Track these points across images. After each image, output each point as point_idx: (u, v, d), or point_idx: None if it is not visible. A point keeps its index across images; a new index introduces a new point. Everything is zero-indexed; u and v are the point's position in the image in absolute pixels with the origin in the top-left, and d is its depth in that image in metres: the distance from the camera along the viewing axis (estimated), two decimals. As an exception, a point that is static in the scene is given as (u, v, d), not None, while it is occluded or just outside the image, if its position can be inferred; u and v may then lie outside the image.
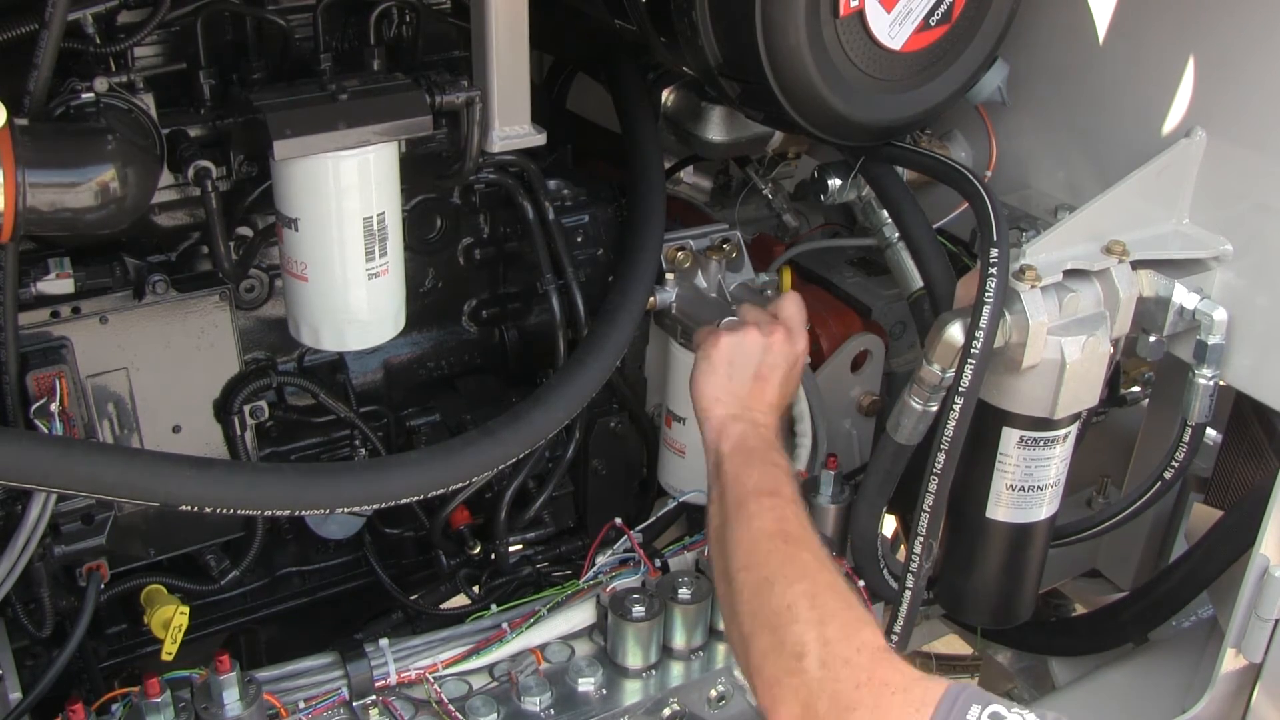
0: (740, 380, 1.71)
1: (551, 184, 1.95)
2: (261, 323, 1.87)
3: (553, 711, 1.70)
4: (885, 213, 1.99)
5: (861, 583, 1.90)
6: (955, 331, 1.66)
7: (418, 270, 1.97)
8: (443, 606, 2.07)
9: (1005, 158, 2.05)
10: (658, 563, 1.86)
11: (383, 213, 1.60)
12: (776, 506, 1.55)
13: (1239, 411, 2.04)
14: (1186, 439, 1.88)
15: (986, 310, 1.60)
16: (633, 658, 1.77)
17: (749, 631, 1.46)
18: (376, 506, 1.65)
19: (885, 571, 1.93)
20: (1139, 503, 2.00)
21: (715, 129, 2.02)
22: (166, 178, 1.58)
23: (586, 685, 1.73)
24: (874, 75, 1.72)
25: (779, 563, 1.49)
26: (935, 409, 1.73)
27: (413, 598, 2.08)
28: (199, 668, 1.57)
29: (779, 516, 1.54)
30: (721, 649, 1.84)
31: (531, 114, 1.69)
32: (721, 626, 1.85)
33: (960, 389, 1.63)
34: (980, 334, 1.61)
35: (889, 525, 2.11)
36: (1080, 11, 1.88)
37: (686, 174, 2.43)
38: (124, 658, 1.92)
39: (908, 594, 1.79)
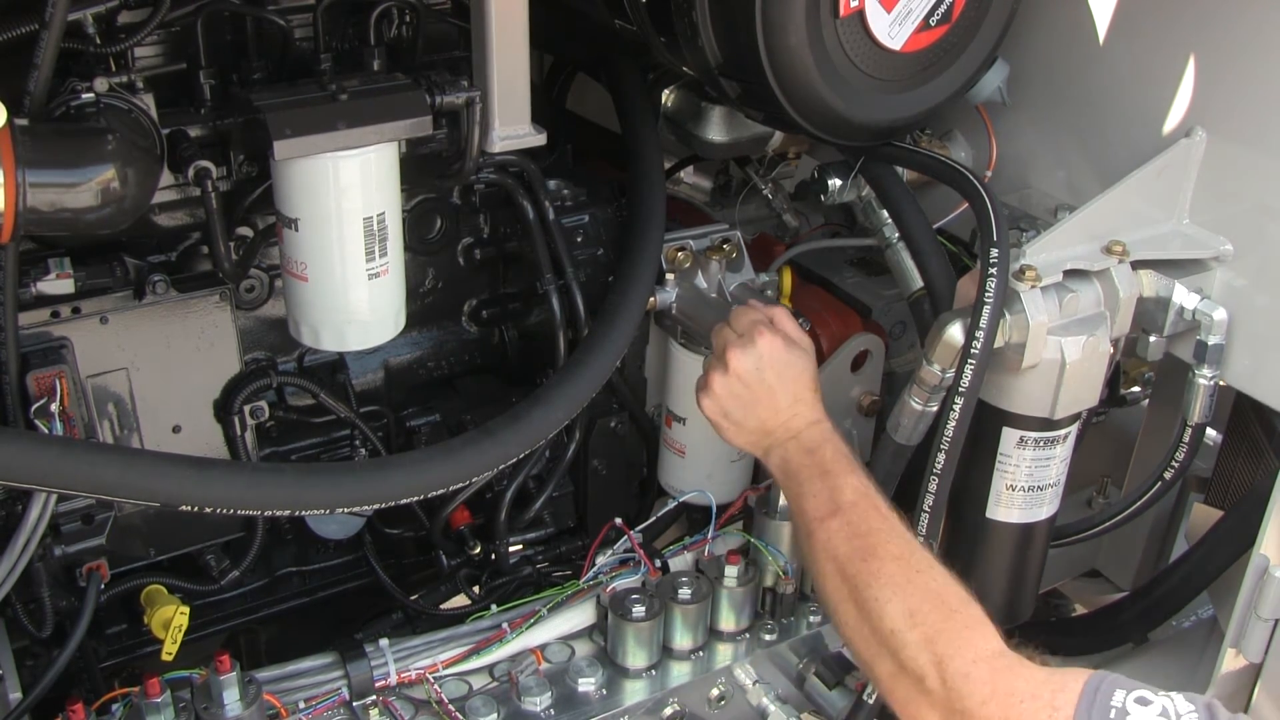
0: (743, 419, 1.72)
1: (551, 184, 1.95)
2: (261, 323, 1.87)
3: (553, 712, 1.70)
4: (885, 213, 1.98)
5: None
6: (955, 331, 1.66)
7: (418, 270, 1.97)
8: (443, 606, 2.07)
9: (1005, 158, 2.05)
10: (658, 563, 1.86)
11: (383, 213, 1.60)
12: (843, 525, 1.54)
13: (1239, 411, 2.04)
14: (1186, 439, 1.88)
15: (986, 310, 1.60)
16: (633, 658, 1.77)
17: (869, 659, 1.47)
18: (376, 506, 1.65)
19: (885, 571, 1.93)
20: (1139, 503, 2.00)
21: (715, 129, 2.02)
22: (166, 178, 1.58)
23: (587, 685, 1.73)
24: (874, 75, 1.72)
25: (865, 585, 1.47)
26: (935, 409, 1.73)
27: (413, 598, 2.08)
28: (199, 668, 1.57)
29: (848, 535, 1.53)
30: (721, 649, 1.84)
31: (531, 114, 1.70)
32: (721, 626, 1.86)
33: (960, 389, 1.63)
34: (980, 334, 1.61)
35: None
36: (1080, 11, 1.88)
37: (686, 174, 2.43)
38: (124, 658, 1.92)
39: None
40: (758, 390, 1.70)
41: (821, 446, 1.65)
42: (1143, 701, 1.21)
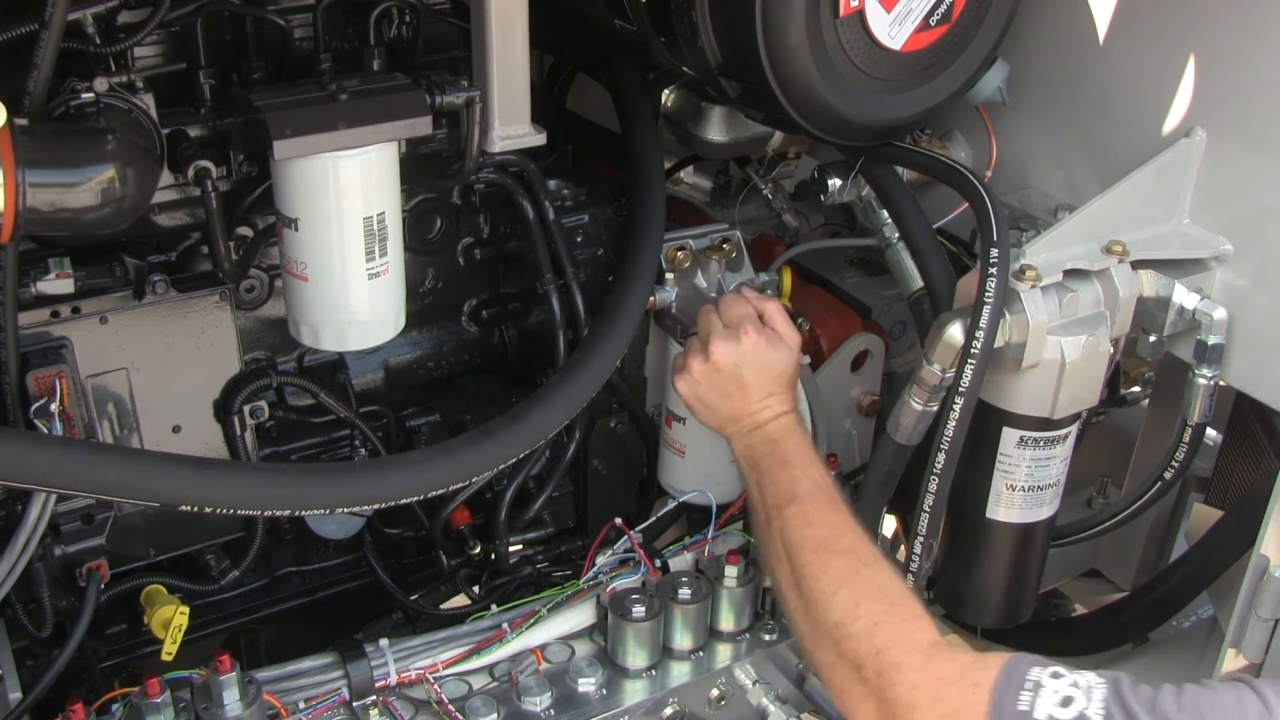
0: (716, 406, 1.76)
1: (551, 184, 1.94)
2: (261, 323, 1.87)
3: (553, 712, 1.70)
4: (885, 213, 1.99)
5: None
6: (955, 331, 1.66)
7: (418, 270, 1.97)
8: (443, 606, 2.07)
9: (1005, 158, 2.05)
10: (658, 563, 1.86)
11: (383, 213, 1.60)
12: (798, 515, 1.59)
13: (1239, 411, 2.04)
14: (1186, 439, 1.88)
15: (986, 310, 1.60)
16: (633, 658, 1.77)
17: (811, 647, 1.53)
18: (376, 506, 1.65)
19: (885, 571, 1.93)
20: (1139, 503, 2.00)
21: (715, 129, 2.02)
22: (166, 178, 1.58)
23: (587, 685, 1.73)
24: (874, 75, 1.72)
25: (814, 575, 1.53)
26: (935, 409, 1.73)
27: (413, 598, 2.08)
28: (199, 668, 1.57)
29: (802, 524, 1.58)
30: (721, 649, 1.84)
31: (531, 114, 1.69)
32: (721, 626, 1.86)
33: (960, 389, 1.63)
34: (980, 334, 1.61)
35: (889, 525, 2.11)
36: (1080, 11, 1.88)
37: (686, 174, 2.43)
38: (124, 658, 1.92)
39: (912, 589, 1.79)
40: (732, 384, 1.74)
41: (785, 438, 1.69)
42: (1056, 675, 1.30)
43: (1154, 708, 1.25)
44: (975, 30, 1.76)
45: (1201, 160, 1.78)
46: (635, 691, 1.76)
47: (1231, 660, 1.88)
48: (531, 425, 1.69)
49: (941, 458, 1.68)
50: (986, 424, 1.74)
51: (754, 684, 1.83)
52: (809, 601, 1.52)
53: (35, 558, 1.60)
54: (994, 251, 1.62)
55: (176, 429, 1.79)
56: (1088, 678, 1.29)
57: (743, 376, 1.73)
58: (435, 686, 1.69)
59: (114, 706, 1.58)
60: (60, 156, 1.36)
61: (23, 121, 1.33)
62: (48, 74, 1.36)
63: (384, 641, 1.71)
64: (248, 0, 1.65)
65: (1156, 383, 2.30)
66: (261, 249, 1.79)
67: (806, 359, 1.93)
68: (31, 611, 1.69)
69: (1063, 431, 1.74)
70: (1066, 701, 1.26)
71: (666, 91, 2.06)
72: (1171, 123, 1.80)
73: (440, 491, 1.65)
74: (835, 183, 1.99)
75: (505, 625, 1.77)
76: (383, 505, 1.60)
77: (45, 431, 1.57)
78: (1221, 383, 1.83)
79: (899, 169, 1.93)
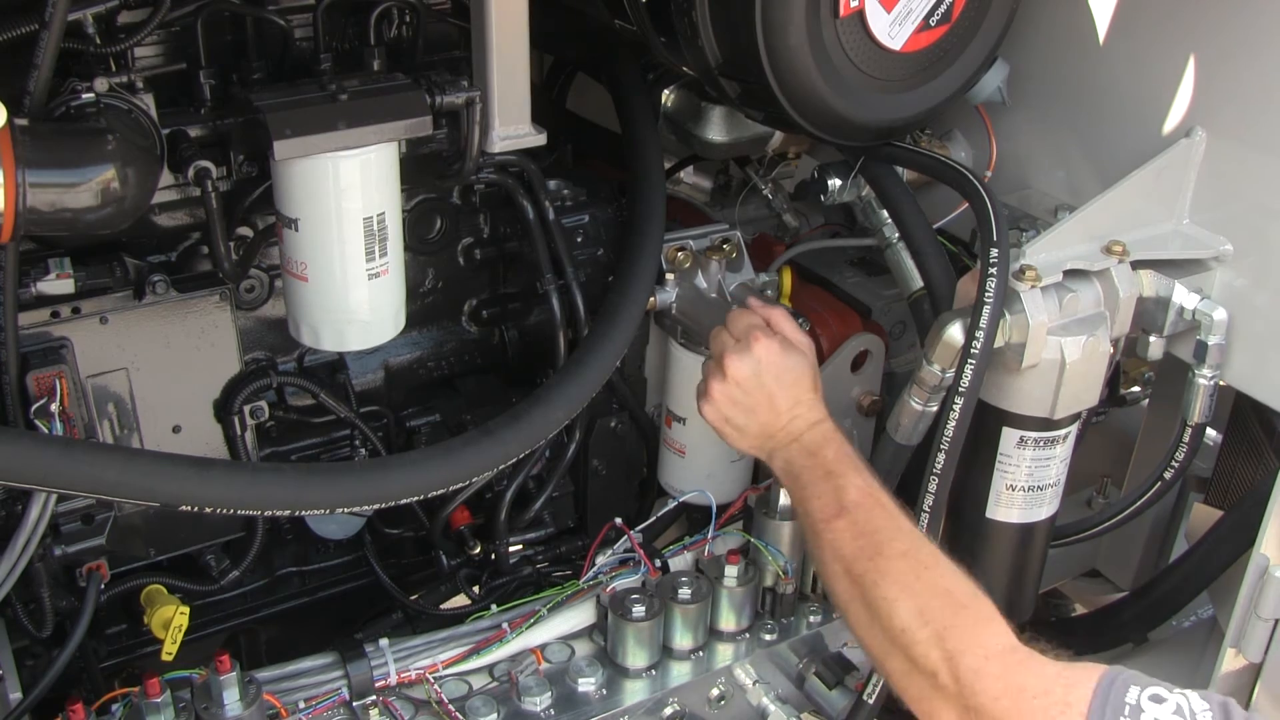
0: (745, 424, 1.72)
1: (551, 184, 1.94)
2: (261, 323, 1.87)
3: (553, 711, 1.70)
4: (885, 213, 1.98)
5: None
6: (955, 331, 1.66)
7: (418, 270, 1.97)
8: (443, 606, 2.07)
9: (1005, 158, 2.05)
10: (658, 563, 1.86)
11: (383, 213, 1.60)
12: (848, 526, 1.54)
13: (1239, 411, 2.04)
14: (1186, 439, 1.88)
15: (986, 310, 1.60)
16: (633, 658, 1.77)
17: (881, 658, 1.47)
18: (376, 506, 1.65)
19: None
20: (1139, 503, 2.00)
21: (715, 129, 2.02)
22: (166, 178, 1.58)
23: (587, 685, 1.73)
24: (874, 75, 1.72)
25: (873, 585, 1.47)
26: (935, 409, 1.73)
27: (413, 598, 2.08)
28: (199, 668, 1.57)
29: (854, 534, 1.53)
30: (721, 649, 1.84)
31: (531, 114, 1.69)
32: (721, 626, 1.86)
33: (960, 389, 1.63)
34: (980, 334, 1.61)
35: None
36: (1080, 11, 1.88)
37: (686, 174, 2.43)
38: (124, 658, 1.92)
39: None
40: (757, 396, 1.70)
41: (824, 447, 1.65)
42: (1157, 699, 1.21)
43: None
44: (975, 30, 1.76)
45: (1201, 160, 1.78)
46: (635, 691, 1.76)
47: (1231, 660, 1.88)
48: (531, 425, 1.69)
49: (941, 458, 1.67)
50: (986, 424, 1.74)
51: (754, 684, 1.83)
52: (873, 612, 1.46)
53: (35, 558, 1.61)
54: (994, 251, 1.62)
55: (176, 429, 1.79)
56: (1192, 701, 1.20)
57: (765, 386, 1.69)
58: (435, 686, 1.69)
59: (114, 706, 1.58)
60: (60, 156, 1.36)
61: (23, 121, 1.33)
62: (48, 74, 1.36)
63: (384, 641, 1.71)
64: (248, 0, 1.65)
65: (1156, 383, 2.30)
66: (261, 249, 1.79)
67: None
68: (31, 611, 1.70)
69: (1063, 431, 1.74)
70: None
71: (666, 91, 2.06)
72: (1171, 123, 1.80)
73: (440, 491, 1.65)
74: (835, 183, 1.99)
75: (505, 625, 1.77)
76: (383, 505, 1.60)
77: (45, 431, 1.57)
78: (1221, 383, 1.83)
79: (899, 169, 1.93)
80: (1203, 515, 2.13)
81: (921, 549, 1.50)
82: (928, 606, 1.42)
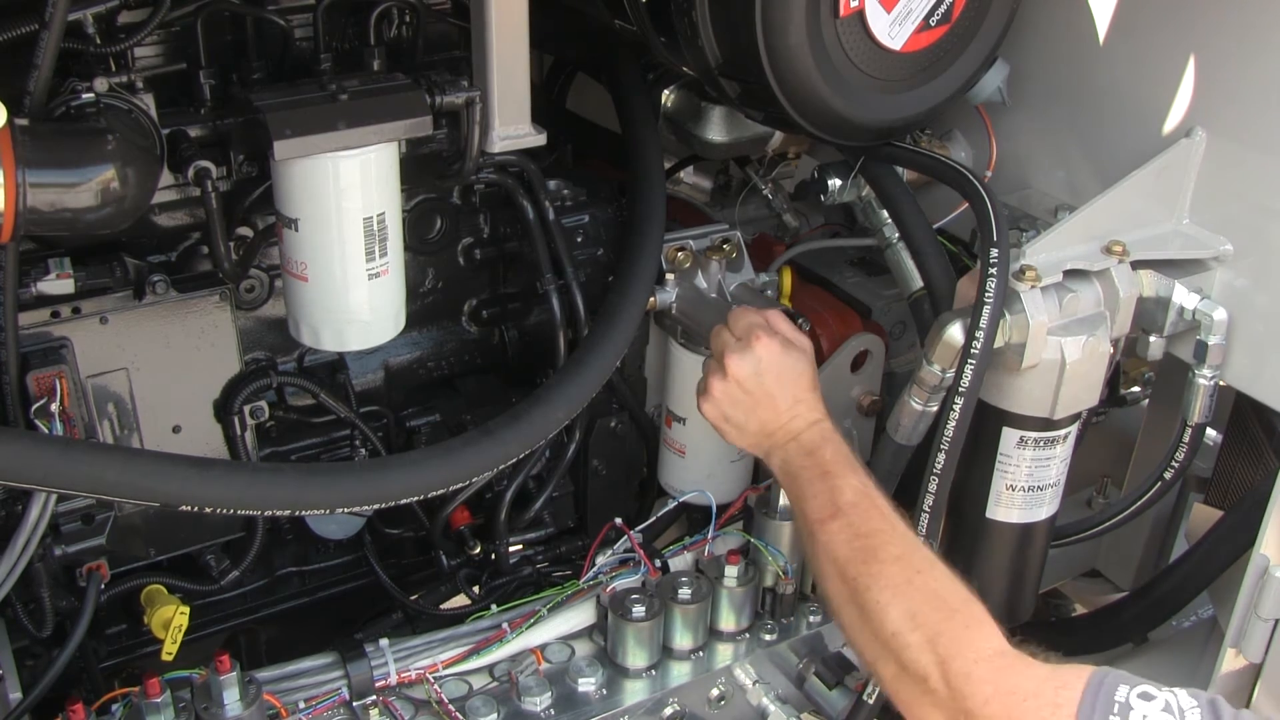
0: (744, 423, 1.73)
1: (551, 184, 1.94)
2: (261, 323, 1.87)
3: (553, 711, 1.70)
4: (885, 213, 1.98)
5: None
6: (955, 331, 1.66)
7: (418, 270, 1.97)
8: (443, 606, 2.07)
9: (1005, 158, 2.05)
10: (658, 563, 1.86)
11: (383, 213, 1.60)
12: (842, 528, 1.55)
13: (1239, 411, 2.04)
14: (1186, 439, 1.88)
15: (986, 310, 1.60)
16: (633, 658, 1.77)
17: (872, 661, 1.47)
18: (376, 506, 1.65)
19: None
20: (1139, 503, 2.00)
21: (715, 129, 2.02)
22: (166, 178, 1.58)
23: (587, 685, 1.73)
24: (874, 75, 1.72)
25: (866, 588, 1.48)
26: (935, 409, 1.73)
27: (413, 598, 2.08)
28: (199, 668, 1.57)
29: (849, 536, 1.53)
30: (721, 649, 1.84)
31: (531, 114, 1.69)
32: (721, 626, 1.86)
33: (960, 389, 1.63)
34: (980, 334, 1.61)
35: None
36: (1080, 11, 1.88)
37: (686, 174, 2.43)
38: (124, 658, 1.92)
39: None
40: (757, 395, 1.71)
41: (821, 447, 1.65)
42: (1146, 696, 1.22)
43: None
44: (975, 30, 1.76)
45: (1201, 160, 1.78)
46: (635, 691, 1.76)
47: (1231, 660, 1.88)
48: (531, 425, 1.69)
49: (941, 458, 1.67)
50: (986, 424, 1.74)
51: (754, 684, 1.83)
52: (865, 615, 1.47)
53: (35, 558, 1.61)
54: (994, 251, 1.62)
55: (176, 429, 1.79)
56: (1180, 699, 1.22)
57: (765, 385, 1.70)
58: (435, 686, 1.69)
59: (114, 706, 1.58)
60: (60, 156, 1.36)
61: (23, 121, 1.33)
62: (48, 74, 1.36)
63: (384, 641, 1.71)
64: (248, 0, 1.65)
65: (1156, 383, 2.30)
66: (261, 249, 1.79)
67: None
68: (31, 611, 1.70)
69: (1063, 431, 1.74)
70: None
71: (666, 91, 2.06)
72: (1171, 123, 1.80)
73: (440, 491, 1.65)
74: (835, 183, 1.99)
75: (505, 625, 1.77)
76: (383, 505, 1.60)
77: (45, 431, 1.57)
78: (1221, 383, 1.83)
79: (899, 169, 1.93)
80: (1203, 515, 2.13)
81: (915, 553, 1.50)
82: (920, 611, 1.42)
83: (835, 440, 1.66)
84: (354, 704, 1.67)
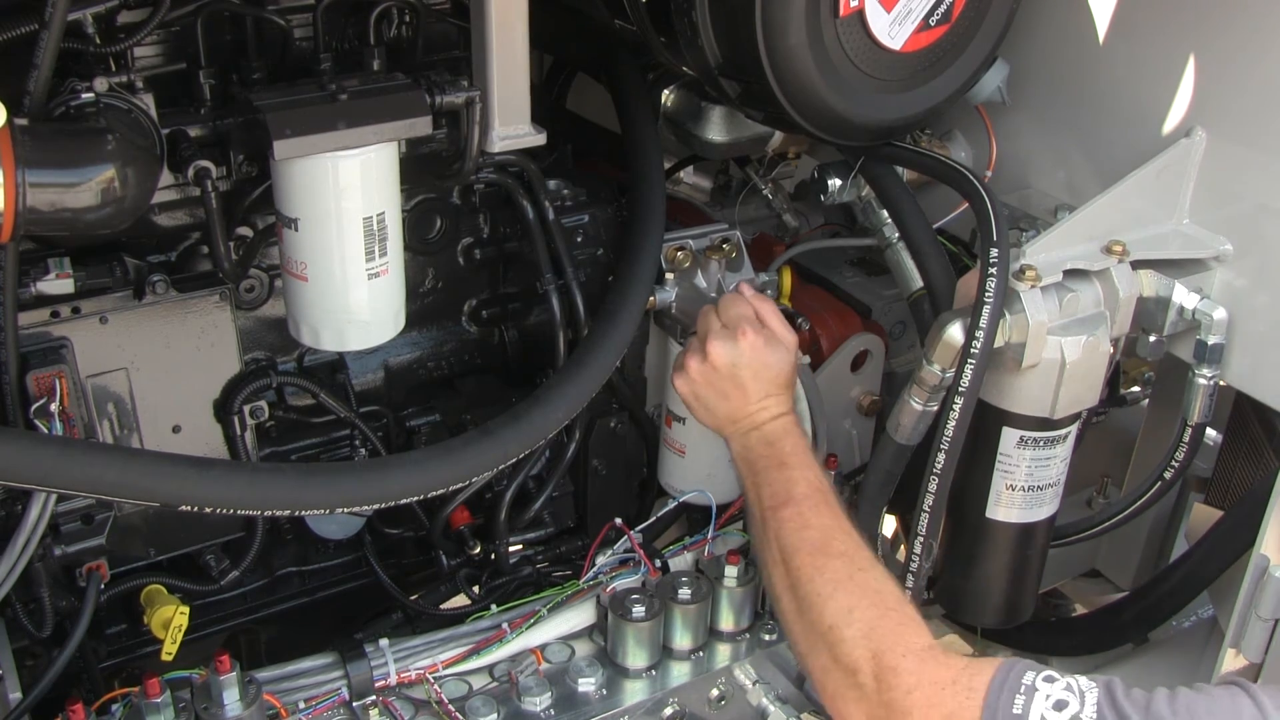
0: (714, 405, 1.76)
1: (551, 184, 1.95)
2: (261, 323, 1.87)
3: (553, 711, 1.70)
4: (885, 213, 1.99)
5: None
6: (955, 331, 1.66)
7: (418, 270, 1.97)
8: (443, 606, 2.07)
9: (1005, 158, 2.05)
10: (658, 563, 1.86)
11: (383, 213, 1.60)
12: (794, 516, 1.59)
13: (1239, 411, 2.04)
14: (1186, 439, 1.88)
15: (986, 310, 1.60)
16: (633, 658, 1.77)
17: (805, 650, 1.52)
18: (376, 506, 1.65)
19: (885, 571, 1.93)
20: (1139, 503, 2.00)
21: (715, 129, 2.02)
22: (166, 178, 1.58)
23: (587, 685, 1.73)
24: (874, 75, 1.72)
25: (809, 578, 1.53)
26: (935, 409, 1.73)
27: (413, 598, 2.08)
28: (199, 668, 1.58)
29: (798, 526, 1.58)
30: (721, 649, 1.84)
31: (531, 114, 1.70)
32: (721, 626, 1.86)
33: (960, 389, 1.63)
34: (980, 334, 1.61)
35: (889, 525, 2.11)
36: (1080, 11, 1.89)
37: (686, 174, 2.43)
38: (124, 658, 1.92)
39: (907, 594, 1.79)
40: (730, 385, 1.74)
41: (782, 439, 1.69)
42: (1050, 679, 1.31)
43: (1148, 711, 1.26)
44: (975, 30, 1.76)
45: (1201, 160, 1.78)
46: (635, 691, 1.76)
47: (1231, 660, 1.88)
48: (531, 425, 1.69)
49: (941, 458, 1.68)
50: (986, 424, 1.74)
51: (754, 684, 1.83)
52: (804, 604, 1.52)
53: (35, 558, 1.60)
54: (994, 251, 1.62)
55: (176, 429, 1.79)
56: (1081, 681, 1.30)
57: (740, 377, 1.73)
58: (435, 686, 1.69)
59: (114, 706, 1.58)
60: (60, 156, 1.36)
61: (23, 121, 1.33)
62: (48, 74, 1.36)
63: (384, 641, 1.71)
64: (248, 0, 1.65)
65: (1156, 383, 2.30)
66: (261, 249, 1.79)
67: (806, 359, 1.93)
68: (31, 611, 1.69)
69: (1063, 431, 1.74)
70: (1060, 705, 1.27)
71: (666, 91, 2.06)
72: (1171, 123, 1.80)
73: (440, 491, 1.65)
74: (835, 183, 1.99)
75: (505, 625, 1.77)
76: (383, 505, 1.60)
77: (45, 431, 1.57)
78: (1221, 383, 1.83)
79: (899, 169, 1.93)
80: (1203, 515, 2.13)
81: (859, 552, 1.55)
82: (857, 605, 1.47)
83: (796, 434, 1.71)
84: (354, 704, 1.67)
